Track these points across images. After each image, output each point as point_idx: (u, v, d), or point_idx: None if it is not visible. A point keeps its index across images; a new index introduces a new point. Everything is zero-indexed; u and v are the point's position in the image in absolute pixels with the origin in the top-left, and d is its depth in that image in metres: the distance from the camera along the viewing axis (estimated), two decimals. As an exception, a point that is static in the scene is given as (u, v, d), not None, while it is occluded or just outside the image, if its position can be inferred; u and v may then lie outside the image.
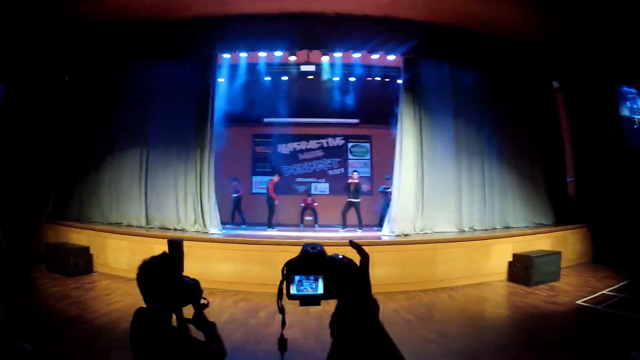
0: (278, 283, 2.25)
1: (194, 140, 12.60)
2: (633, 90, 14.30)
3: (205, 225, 12.20)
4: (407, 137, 12.47)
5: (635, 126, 14.16)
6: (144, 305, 2.67)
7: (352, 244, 2.48)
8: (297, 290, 2.15)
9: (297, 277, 2.13)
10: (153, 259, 2.68)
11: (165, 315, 2.63)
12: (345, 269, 2.21)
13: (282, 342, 2.33)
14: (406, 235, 11.88)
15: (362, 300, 2.20)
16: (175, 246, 2.84)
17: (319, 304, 2.15)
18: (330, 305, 2.44)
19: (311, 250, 2.20)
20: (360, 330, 2.19)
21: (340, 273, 2.16)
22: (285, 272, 2.15)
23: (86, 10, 11.38)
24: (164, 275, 2.64)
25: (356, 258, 2.16)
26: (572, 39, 12.76)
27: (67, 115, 13.47)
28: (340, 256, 2.27)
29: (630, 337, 4.96)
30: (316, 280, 2.12)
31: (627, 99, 14.20)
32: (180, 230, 12.24)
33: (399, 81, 14.57)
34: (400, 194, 12.36)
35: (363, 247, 2.62)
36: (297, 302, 2.09)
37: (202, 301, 2.82)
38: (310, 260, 2.15)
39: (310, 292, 2.14)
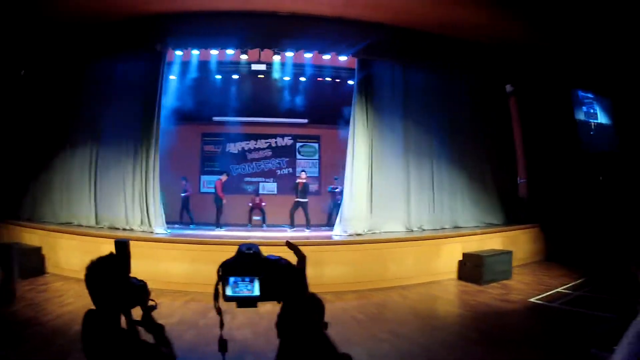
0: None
1: (140, 138, 12.34)
2: (590, 95, 14.70)
3: (150, 225, 11.97)
4: (358, 138, 12.47)
5: (591, 131, 14.55)
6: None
7: (289, 244, 2.49)
8: (233, 292, 2.18)
9: (232, 279, 2.14)
10: (100, 260, 2.62)
11: (114, 316, 2.56)
12: (281, 271, 2.22)
13: (222, 344, 2.35)
14: (358, 235, 11.86)
15: (300, 301, 2.21)
16: (122, 247, 2.77)
17: (256, 306, 2.17)
18: (278, 305, 2.44)
19: (246, 252, 2.23)
20: (300, 330, 2.20)
21: (277, 274, 2.17)
22: (220, 273, 2.14)
23: (47, 5, 11.15)
24: (111, 276, 2.58)
25: (293, 259, 2.15)
26: (527, 42, 13.00)
27: (21, 110, 13.09)
28: (277, 257, 2.28)
29: (591, 334, 5.06)
30: (252, 281, 2.15)
31: (583, 103, 14.55)
32: (128, 230, 11.99)
33: (350, 82, 14.75)
34: (352, 194, 12.35)
35: (300, 247, 2.62)
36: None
37: (150, 303, 2.77)
38: (245, 262, 2.19)
39: (246, 293, 2.17)
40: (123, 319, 2.60)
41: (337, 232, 12.42)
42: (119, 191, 12.35)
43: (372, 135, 12.66)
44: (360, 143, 12.47)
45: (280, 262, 2.27)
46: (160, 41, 12.22)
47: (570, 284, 10.09)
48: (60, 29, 12.21)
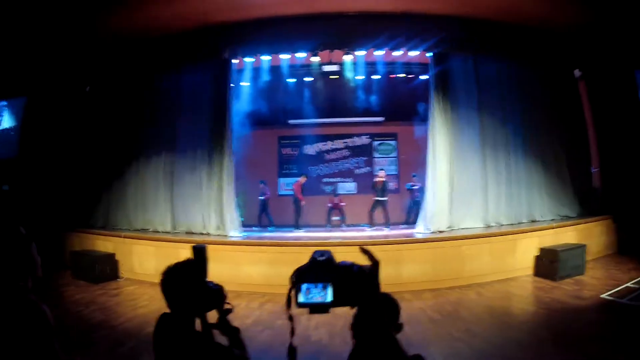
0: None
1: (213, 145, 12.69)
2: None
3: (225, 229, 12.28)
4: (438, 134, 12.46)
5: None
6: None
7: (363, 250, 2.48)
8: (306, 299, 2.17)
9: (305, 285, 2.15)
10: (177, 265, 2.69)
11: (189, 320, 2.65)
12: (354, 277, 2.22)
13: (292, 352, 2.34)
14: (441, 232, 11.86)
15: (373, 304, 2.21)
16: (200, 252, 2.87)
17: (328, 312, 2.16)
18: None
19: (319, 259, 2.22)
20: (373, 332, 2.21)
21: (350, 280, 2.17)
22: (294, 280, 2.16)
23: (115, 22, 11.81)
24: (188, 281, 2.66)
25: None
26: (594, 24, 12.68)
27: (90, 124, 13.66)
28: (350, 263, 2.28)
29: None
30: (325, 287, 2.14)
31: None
32: (205, 234, 12.35)
33: (423, 77, 14.74)
34: (434, 191, 12.35)
35: (378, 246, 2.60)
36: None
37: (226, 306, 2.83)
38: (318, 268, 2.18)
39: (319, 299, 2.17)
40: (198, 322, 2.70)
41: (420, 230, 12.52)
42: (195, 197, 12.77)
43: (450, 131, 12.59)
44: (440, 139, 12.46)
45: (353, 268, 2.28)
46: (226, 50, 12.65)
47: (639, 278, 9.85)
48: (126, 43, 12.88)
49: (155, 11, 11.46)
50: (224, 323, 2.82)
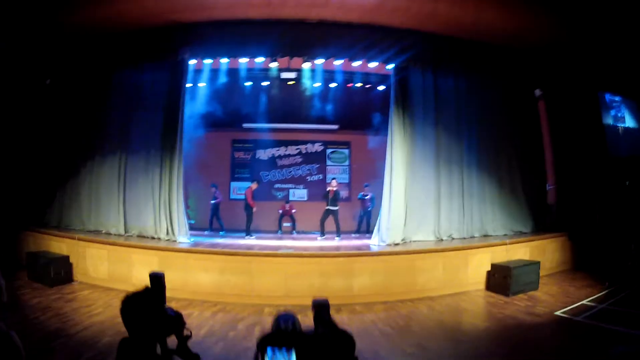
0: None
1: (163, 147, 12.46)
2: (617, 98, 14.43)
3: (174, 234, 12.07)
4: (396, 147, 12.42)
5: (619, 135, 14.27)
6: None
7: (315, 307, 2.57)
8: None
9: (270, 350, 2.26)
10: (135, 294, 2.65)
11: (150, 345, 2.58)
12: (316, 344, 2.32)
13: None
14: (396, 244, 11.86)
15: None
16: (157, 280, 2.84)
17: None
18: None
19: (284, 328, 2.32)
20: None
21: (314, 348, 2.27)
22: (259, 346, 2.27)
23: (77, 16, 11.45)
24: (146, 309, 2.59)
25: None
26: (555, 45, 12.90)
27: (47, 119, 13.29)
28: (313, 330, 2.39)
29: (614, 354, 4.92)
30: (289, 351, 2.24)
31: (611, 107, 14.30)
32: (156, 239, 12.09)
33: (381, 87, 14.83)
34: (392, 203, 12.29)
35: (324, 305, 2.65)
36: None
37: (185, 332, 2.80)
38: (283, 338, 2.28)
39: None
40: (158, 346, 2.66)
41: (375, 242, 12.45)
42: (147, 200, 12.50)
43: (408, 144, 12.59)
44: (398, 151, 12.42)
45: (315, 335, 2.35)
46: (182, 51, 12.43)
47: (595, 296, 10.00)
48: (87, 38, 12.56)
49: (118, 7, 11.17)
50: (183, 349, 2.80)
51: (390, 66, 12.89)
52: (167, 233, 12.11)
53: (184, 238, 12.13)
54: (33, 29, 11.70)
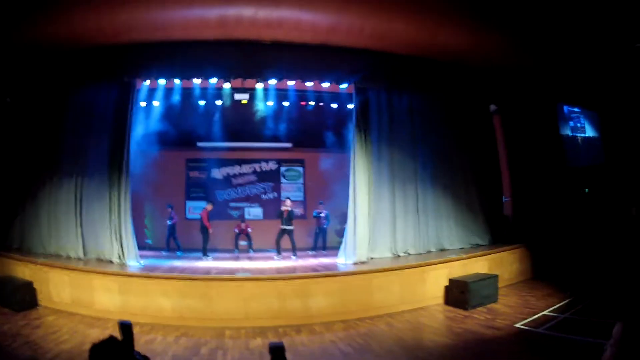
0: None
1: (109, 170, 12.39)
2: (577, 109, 14.82)
3: (124, 257, 11.95)
4: (358, 166, 12.56)
5: (578, 145, 14.63)
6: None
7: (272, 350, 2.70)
8: None
9: None
10: (102, 343, 2.69)
11: None
12: None
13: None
14: (363, 262, 11.92)
15: None
16: (126, 328, 2.90)
17: None
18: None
19: None
20: None
21: None
22: None
23: (31, 35, 11.34)
24: (115, 358, 2.64)
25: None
26: (511, 61, 13.13)
27: (7, 137, 13.00)
28: None
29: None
30: None
31: (570, 118, 14.64)
32: (112, 262, 11.92)
33: (334, 105, 14.94)
34: (357, 222, 12.39)
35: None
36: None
37: None
38: None
39: None
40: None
41: (342, 260, 12.60)
42: (103, 223, 12.26)
43: (367, 163, 12.71)
44: (360, 171, 12.59)
45: None
46: (131, 71, 12.35)
47: (556, 306, 10.09)
48: (42, 57, 12.29)
49: (73, 25, 11.01)
50: None
51: (344, 86, 13.13)
52: (119, 257, 11.94)
53: (133, 261, 12.00)
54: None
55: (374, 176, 12.81)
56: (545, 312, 9.60)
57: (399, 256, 12.72)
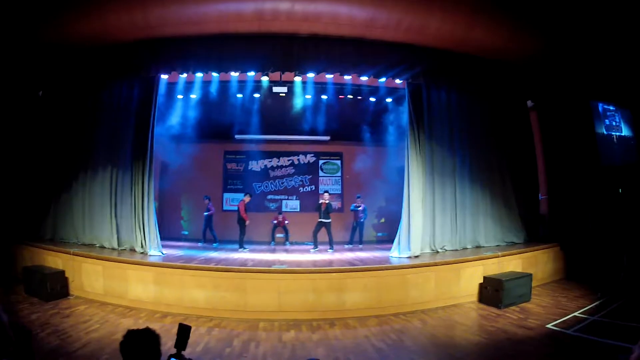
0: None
1: (133, 161, 12.69)
2: (611, 107, 14.49)
3: (145, 246, 12.17)
4: (412, 161, 12.63)
5: (614, 144, 14.30)
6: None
7: None
8: None
9: None
10: (137, 333, 2.74)
11: None
12: None
13: None
14: (416, 256, 12.02)
15: None
16: (184, 330, 2.97)
17: None
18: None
19: None
20: None
21: None
22: None
23: (57, 33, 11.58)
24: (146, 350, 2.67)
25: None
26: (546, 57, 12.94)
27: (40, 131, 13.33)
28: None
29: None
30: None
31: (605, 116, 14.32)
32: (134, 251, 12.25)
33: (372, 99, 14.88)
34: (411, 217, 12.45)
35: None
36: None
37: None
38: None
39: None
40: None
41: (395, 254, 12.60)
42: (134, 214, 12.50)
43: (420, 158, 12.78)
44: (414, 166, 12.66)
45: None
46: (155, 66, 12.58)
47: (587, 307, 9.99)
48: (75, 52, 12.58)
49: (107, 21, 11.21)
50: None
51: (382, 80, 13.25)
52: (142, 246, 12.19)
53: (155, 251, 12.21)
54: (14, 43, 11.75)
55: (416, 169, 12.76)
56: (576, 314, 9.53)
57: (437, 252, 12.69)
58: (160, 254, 12.23)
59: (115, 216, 12.72)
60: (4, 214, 12.62)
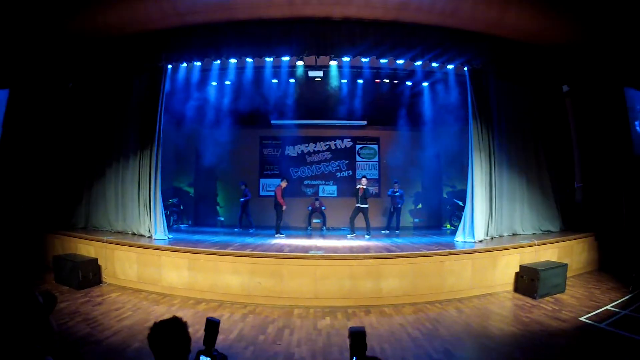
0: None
1: (141, 148, 12.89)
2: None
3: (152, 230, 12.39)
4: (475, 149, 12.73)
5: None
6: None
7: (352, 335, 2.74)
8: None
9: None
10: (164, 323, 2.72)
11: None
12: None
13: None
14: (480, 241, 12.16)
15: None
16: (212, 325, 2.97)
17: None
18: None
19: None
20: None
21: None
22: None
23: (86, 23, 11.80)
24: (175, 341, 2.65)
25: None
26: (581, 42, 12.72)
27: (71, 121, 13.52)
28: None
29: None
30: None
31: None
32: (142, 235, 12.49)
33: (408, 83, 14.69)
34: (475, 202, 12.61)
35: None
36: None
37: None
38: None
39: None
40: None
41: (460, 239, 12.77)
42: (139, 199, 12.78)
43: (485, 145, 12.90)
44: (476, 154, 12.82)
45: None
46: (166, 56, 12.76)
47: (619, 300, 9.88)
48: (103, 42, 12.78)
49: (136, 9, 11.41)
50: None
51: (418, 63, 13.08)
52: (148, 230, 12.43)
53: (161, 235, 12.42)
54: (46, 35, 11.93)
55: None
56: (608, 307, 9.42)
57: (480, 241, 12.50)
58: (166, 238, 12.47)
59: (149, 203, 12.79)
60: (36, 204, 12.87)
